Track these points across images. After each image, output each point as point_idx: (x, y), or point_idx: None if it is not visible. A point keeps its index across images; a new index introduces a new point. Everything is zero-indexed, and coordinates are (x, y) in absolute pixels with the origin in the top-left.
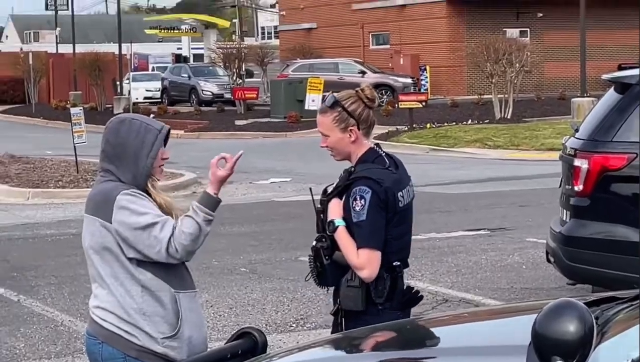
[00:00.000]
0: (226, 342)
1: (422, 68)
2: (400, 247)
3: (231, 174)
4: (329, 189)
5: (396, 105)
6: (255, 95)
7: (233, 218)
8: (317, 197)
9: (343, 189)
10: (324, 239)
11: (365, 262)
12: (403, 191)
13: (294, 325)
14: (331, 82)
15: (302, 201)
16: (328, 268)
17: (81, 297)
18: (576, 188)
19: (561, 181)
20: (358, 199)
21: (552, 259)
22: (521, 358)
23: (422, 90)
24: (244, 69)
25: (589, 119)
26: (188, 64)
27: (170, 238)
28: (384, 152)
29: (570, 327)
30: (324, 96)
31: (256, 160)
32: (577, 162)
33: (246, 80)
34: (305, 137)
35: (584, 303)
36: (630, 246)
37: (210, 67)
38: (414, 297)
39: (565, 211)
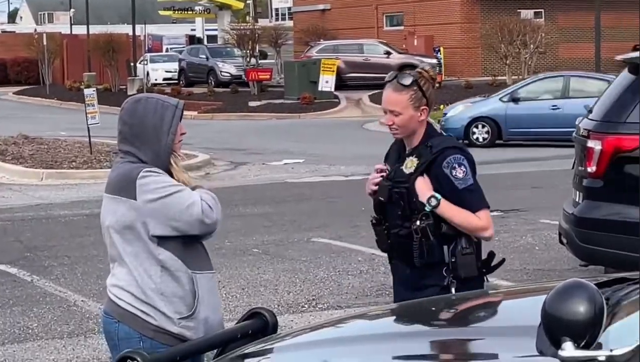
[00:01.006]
0: (237, 323)
1: (436, 49)
2: None
3: None
4: (390, 170)
5: None
6: (268, 77)
7: (246, 199)
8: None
9: (428, 165)
10: (424, 218)
11: (488, 222)
12: None
13: (306, 306)
14: (357, 63)
15: (315, 182)
16: (435, 244)
17: (94, 278)
18: (589, 169)
19: (574, 162)
20: (457, 166)
21: (564, 241)
22: (532, 339)
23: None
24: (257, 51)
25: (602, 100)
26: (206, 45)
27: (201, 200)
28: None
29: (580, 308)
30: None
31: (269, 142)
32: (590, 144)
33: (260, 61)
34: (319, 118)
35: (595, 284)
36: None
37: (228, 49)
38: (499, 262)
39: (578, 192)
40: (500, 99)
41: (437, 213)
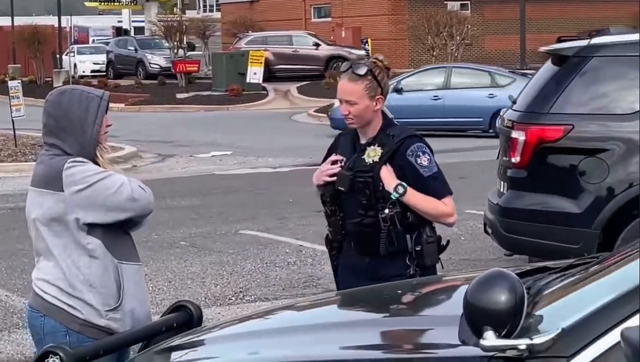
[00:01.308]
0: (162, 316)
1: (364, 41)
2: None
3: None
4: (345, 162)
5: (337, 78)
6: (196, 69)
7: (173, 191)
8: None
9: (392, 154)
10: (391, 206)
11: (453, 208)
12: None
13: (233, 298)
14: (285, 55)
15: (242, 174)
16: (401, 232)
17: (18, 272)
18: (513, 160)
19: (499, 152)
20: (422, 154)
21: (489, 231)
22: (455, 328)
23: None
24: (185, 42)
25: (526, 91)
26: (134, 37)
27: (128, 180)
28: None
29: (501, 298)
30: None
31: (197, 134)
32: (514, 134)
33: (188, 53)
34: (247, 110)
35: (517, 273)
36: (566, 216)
37: (157, 40)
38: (446, 245)
39: (502, 182)
40: None
41: (403, 201)
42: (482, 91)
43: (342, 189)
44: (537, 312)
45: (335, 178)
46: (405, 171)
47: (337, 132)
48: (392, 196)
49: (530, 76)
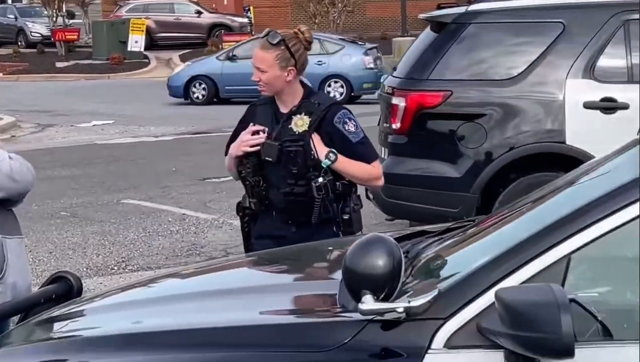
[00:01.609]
0: (40, 287)
1: (246, 9)
2: None
3: None
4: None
5: (220, 45)
6: (76, 37)
7: (53, 161)
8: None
9: (320, 122)
10: (324, 174)
11: (381, 171)
12: None
13: (116, 268)
14: (167, 23)
15: (124, 143)
16: (332, 200)
17: None
18: (394, 126)
19: (379, 119)
20: (348, 121)
21: (371, 196)
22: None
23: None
24: (64, 10)
25: (406, 58)
26: (14, 5)
27: (9, 158)
28: None
29: (379, 262)
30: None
31: (77, 103)
32: (394, 100)
33: (71, 21)
34: (129, 78)
35: (396, 238)
36: (445, 181)
37: (37, 8)
38: None
39: (383, 148)
40: (217, 58)
41: (334, 168)
42: (311, 58)
43: (270, 159)
44: (415, 276)
45: (257, 148)
46: (333, 138)
47: (175, 99)
48: (323, 164)
49: (360, 44)
